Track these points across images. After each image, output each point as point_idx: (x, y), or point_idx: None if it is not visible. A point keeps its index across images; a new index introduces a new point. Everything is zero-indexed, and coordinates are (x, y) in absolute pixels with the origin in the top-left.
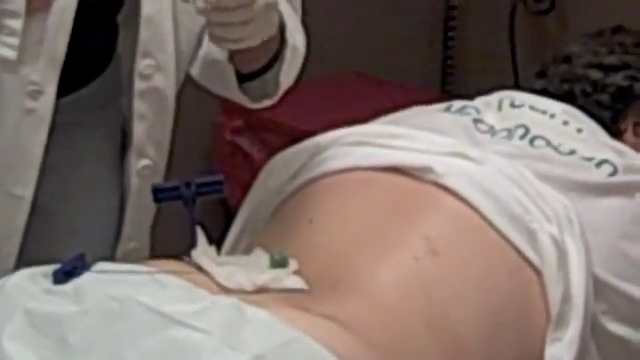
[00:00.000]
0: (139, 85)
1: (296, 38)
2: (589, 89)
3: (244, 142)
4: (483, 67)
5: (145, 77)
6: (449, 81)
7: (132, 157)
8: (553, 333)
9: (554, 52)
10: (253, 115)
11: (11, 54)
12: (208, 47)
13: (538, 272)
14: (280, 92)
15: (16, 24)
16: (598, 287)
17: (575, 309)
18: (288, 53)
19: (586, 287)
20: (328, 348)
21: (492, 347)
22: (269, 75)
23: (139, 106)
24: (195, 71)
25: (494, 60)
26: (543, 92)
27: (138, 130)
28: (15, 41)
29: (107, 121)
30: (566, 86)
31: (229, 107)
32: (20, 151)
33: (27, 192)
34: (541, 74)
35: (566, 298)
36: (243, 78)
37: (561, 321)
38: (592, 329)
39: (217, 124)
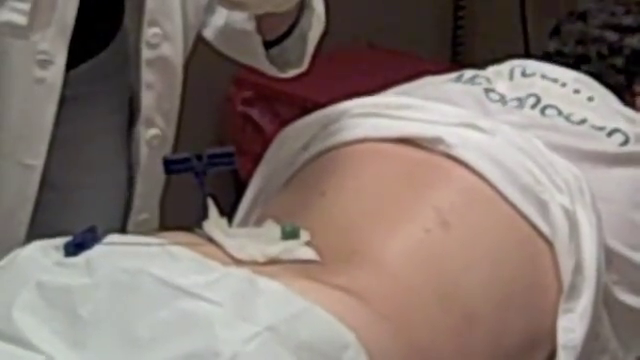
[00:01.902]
0: (146, 54)
1: (319, 6)
2: (605, 51)
3: (255, 113)
4: (494, 36)
5: (152, 46)
6: (460, 51)
7: (141, 127)
8: (565, 304)
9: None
10: (264, 86)
11: (21, 20)
12: (231, 16)
13: (549, 243)
14: (307, 61)
15: None
16: (609, 257)
17: (587, 280)
18: (314, 21)
19: (598, 257)
20: (340, 319)
21: (502, 318)
22: (288, 43)
23: (147, 75)
24: (212, 37)
25: (505, 29)
26: (557, 54)
27: (146, 100)
28: (26, 7)
29: (115, 93)
30: (581, 48)
31: (240, 78)
32: (30, 121)
33: (37, 162)
34: (555, 30)
35: (578, 269)
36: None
37: (573, 292)
38: (604, 299)
39: (228, 95)
